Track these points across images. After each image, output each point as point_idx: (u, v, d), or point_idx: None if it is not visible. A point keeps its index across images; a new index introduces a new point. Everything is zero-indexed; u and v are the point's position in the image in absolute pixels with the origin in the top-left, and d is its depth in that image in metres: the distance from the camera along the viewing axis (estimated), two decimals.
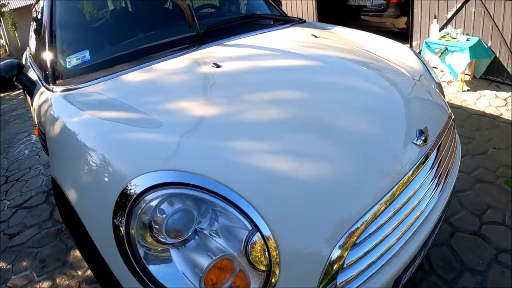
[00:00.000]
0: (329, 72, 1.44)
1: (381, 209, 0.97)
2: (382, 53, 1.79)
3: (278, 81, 1.35)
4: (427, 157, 1.18)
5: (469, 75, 4.08)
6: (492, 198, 2.16)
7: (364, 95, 1.30)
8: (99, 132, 1.12)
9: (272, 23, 2.15)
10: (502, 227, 1.94)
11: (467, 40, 3.73)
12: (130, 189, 0.87)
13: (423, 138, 1.18)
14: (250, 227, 0.82)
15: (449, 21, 4.12)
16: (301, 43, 1.75)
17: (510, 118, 3.10)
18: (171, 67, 1.50)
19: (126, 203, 0.85)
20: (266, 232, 0.83)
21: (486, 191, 2.23)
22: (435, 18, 4.05)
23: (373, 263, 0.97)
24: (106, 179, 0.96)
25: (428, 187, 1.19)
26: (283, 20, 2.21)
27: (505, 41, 3.61)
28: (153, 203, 0.84)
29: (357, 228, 0.92)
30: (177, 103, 1.24)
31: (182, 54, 1.59)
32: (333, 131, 1.10)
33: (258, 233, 0.82)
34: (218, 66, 1.44)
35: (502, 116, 3.15)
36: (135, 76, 1.46)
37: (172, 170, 0.89)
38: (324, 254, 0.87)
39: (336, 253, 0.88)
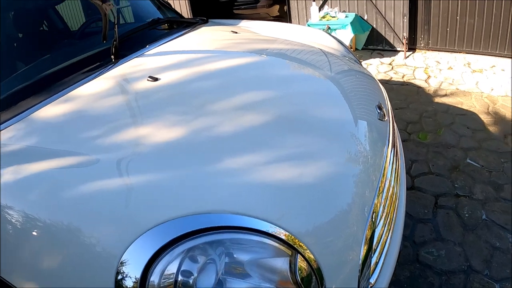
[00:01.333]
0: (276, 65, 1.40)
1: (380, 196, 0.97)
2: (306, 39, 1.81)
3: (235, 83, 1.25)
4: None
5: (351, 48, 4.49)
6: (412, 153, 2.41)
7: (319, 82, 1.29)
8: (38, 201, 0.78)
9: (176, 26, 2.00)
10: (430, 175, 2.18)
11: (346, 16, 4.09)
12: (127, 270, 0.65)
13: (382, 113, 1.23)
14: (289, 252, 0.73)
15: (325, 1, 4.44)
16: (229, 41, 1.66)
17: (400, 80, 3.50)
18: (95, 90, 1.24)
19: None
20: (305, 250, 0.74)
21: (404, 148, 2.48)
22: (313, 0, 4.33)
23: (380, 254, 0.97)
24: (82, 269, 0.68)
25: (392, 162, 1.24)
26: (187, 22, 2.07)
27: (380, 12, 4.06)
28: (170, 271, 0.66)
29: (370, 220, 0.90)
30: (126, 132, 1.01)
31: (102, 73, 1.34)
32: (316, 124, 1.06)
33: (298, 255, 0.73)
34: (155, 79, 1.25)
35: (392, 79, 3.55)
36: (52, 110, 1.18)
37: (171, 219, 0.71)
38: (355, 253, 0.83)
39: (363, 249, 0.85)
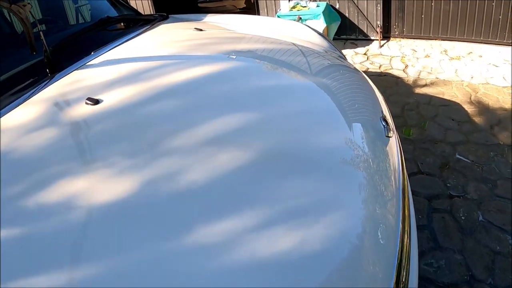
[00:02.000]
0: (252, 73, 1.15)
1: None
2: (282, 34, 1.58)
3: (201, 103, 0.97)
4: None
5: None
6: None
7: (310, 95, 1.07)
8: None
9: (130, 25, 1.71)
10: (420, 175, 2.03)
11: (318, 6, 3.89)
12: None
13: (388, 127, 1.05)
14: None
15: None
16: (192, 41, 1.41)
17: (377, 70, 3.35)
18: (18, 122, 0.91)
19: None
20: None
21: None
22: None
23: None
24: None
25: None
26: (144, 20, 1.78)
27: (352, 0, 3.88)
28: None
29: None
30: (50, 192, 0.69)
31: (31, 95, 1.01)
32: (315, 157, 0.82)
33: None
34: (96, 102, 0.93)
35: (369, 70, 3.39)
36: None
37: None
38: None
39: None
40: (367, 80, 1.36)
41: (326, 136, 0.90)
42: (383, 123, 1.02)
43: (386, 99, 2.76)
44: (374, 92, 1.26)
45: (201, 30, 1.54)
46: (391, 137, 1.00)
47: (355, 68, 1.49)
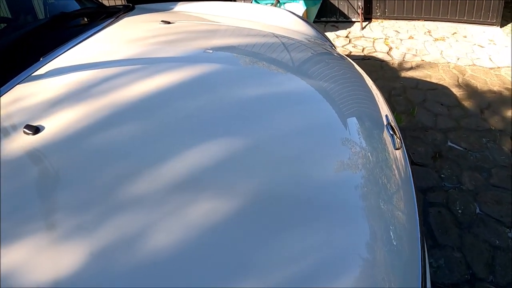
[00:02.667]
0: (233, 80, 0.93)
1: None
2: (265, 25, 1.39)
3: (168, 130, 0.75)
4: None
5: None
6: None
7: (308, 101, 0.91)
8: None
9: (90, 20, 1.47)
10: (413, 166, 1.90)
11: None
12: None
13: (396, 137, 0.91)
14: None
15: None
16: (158, 39, 1.19)
17: (361, 54, 3.20)
18: None
19: None
20: None
21: None
22: None
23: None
24: None
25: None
26: (107, 12, 1.53)
27: None
28: None
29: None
30: None
31: None
32: (322, 198, 0.65)
33: None
34: (35, 131, 0.72)
35: (352, 54, 3.23)
36: None
37: None
38: None
39: None
40: (363, 77, 1.21)
41: (327, 162, 0.73)
42: (390, 132, 0.87)
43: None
44: (374, 92, 1.11)
45: (169, 22, 1.32)
46: (400, 148, 0.85)
47: (348, 61, 1.32)
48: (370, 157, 0.78)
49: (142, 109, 0.80)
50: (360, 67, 2.90)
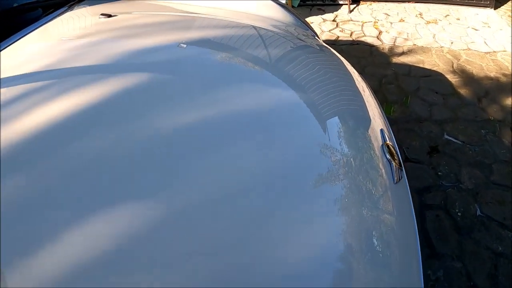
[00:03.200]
0: (200, 104, 0.70)
1: None
2: (239, 12, 1.16)
3: (108, 183, 0.54)
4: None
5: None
6: None
7: (291, 114, 0.73)
8: None
9: (27, 18, 1.20)
10: (407, 163, 1.73)
11: None
12: None
13: (394, 161, 0.72)
14: None
15: None
16: (90, 37, 0.93)
17: (349, 38, 2.98)
18: None
19: None
20: None
21: None
22: None
23: None
24: None
25: None
26: (47, 6, 1.25)
27: None
28: None
29: None
30: None
31: None
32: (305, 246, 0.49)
33: None
34: None
35: (339, 39, 3.02)
36: None
37: None
38: None
39: None
40: (352, 75, 1.00)
41: (308, 170, 0.58)
42: (387, 156, 0.68)
43: (361, 72, 2.42)
44: (365, 97, 0.91)
45: (109, 16, 1.06)
46: (401, 179, 0.67)
47: (331, 53, 1.12)
48: (353, 162, 0.66)
49: (72, 145, 0.58)
50: (348, 53, 2.71)
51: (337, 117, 0.78)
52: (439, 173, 1.65)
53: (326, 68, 0.97)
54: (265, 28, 1.11)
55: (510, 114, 2.00)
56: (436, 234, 1.42)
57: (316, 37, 1.29)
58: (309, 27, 1.36)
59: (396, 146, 0.83)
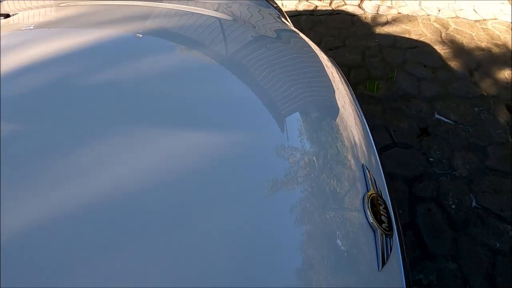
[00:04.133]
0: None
1: None
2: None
3: None
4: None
5: None
6: (364, 115, 1.71)
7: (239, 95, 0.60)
8: None
9: None
10: (395, 149, 1.53)
11: None
12: None
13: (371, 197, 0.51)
14: None
15: None
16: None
17: (328, 8, 2.71)
18: None
19: None
20: None
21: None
22: None
23: None
24: None
25: None
26: None
27: None
28: None
29: None
30: None
31: None
32: None
33: None
34: None
35: (318, 9, 2.74)
36: None
37: None
38: None
39: None
40: (321, 62, 0.81)
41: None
42: (369, 220, 0.48)
43: (342, 45, 2.18)
44: (335, 84, 0.73)
45: (8, 16, 0.79)
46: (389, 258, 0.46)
47: (300, 39, 0.92)
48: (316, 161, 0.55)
49: None
50: (328, 24, 2.45)
51: (298, 113, 0.60)
52: (431, 159, 1.46)
53: (288, 55, 0.78)
54: (219, 15, 0.87)
55: (504, 88, 1.81)
56: (428, 231, 1.25)
57: (279, 17, 1.05)
58: (271, 5, 1.12)
59: (386, 187, 0.64)
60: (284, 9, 2.83)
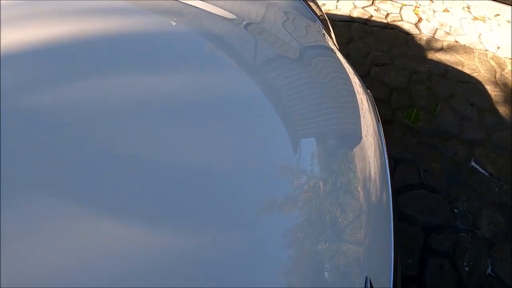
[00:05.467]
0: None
1: None
2: None
3: None
4: None
5: None
6: (396, 145, 1.61)
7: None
8: None
9: None
10: (421, 190, 1.43)
11: None
12: None
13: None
14: None
15: None
16: None
17: (383, 20, 2.57)
18: None
19: None
20: None
21: (386, 135, 1.68)
22: None
23: None
24: None
25: None
26: None
27: None
28: None
29: None
30: None
31: None
32: None
33: None
34: None
35: (372, 19, 2.60)
36: None
37: None
38: None
39: None
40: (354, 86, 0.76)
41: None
42: None
43: (390, 62, 2.06)
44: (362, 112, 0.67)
45: None
46: None
47: (335, 61, 0.85)
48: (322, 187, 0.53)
49: None
50: (380, 38, 2.31)
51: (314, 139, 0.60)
52: (455, 210, 1.36)
53: (318, 74, 0.72)
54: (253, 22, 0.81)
55: None
56: None
57: (322, 30, 0.97)
58: (316, 14, 1.02)
59: (392, 233, 0.61)
60: (337, 12, 2.70)
